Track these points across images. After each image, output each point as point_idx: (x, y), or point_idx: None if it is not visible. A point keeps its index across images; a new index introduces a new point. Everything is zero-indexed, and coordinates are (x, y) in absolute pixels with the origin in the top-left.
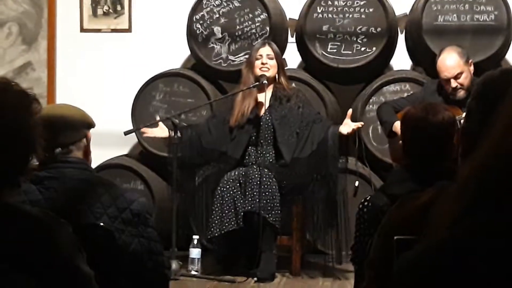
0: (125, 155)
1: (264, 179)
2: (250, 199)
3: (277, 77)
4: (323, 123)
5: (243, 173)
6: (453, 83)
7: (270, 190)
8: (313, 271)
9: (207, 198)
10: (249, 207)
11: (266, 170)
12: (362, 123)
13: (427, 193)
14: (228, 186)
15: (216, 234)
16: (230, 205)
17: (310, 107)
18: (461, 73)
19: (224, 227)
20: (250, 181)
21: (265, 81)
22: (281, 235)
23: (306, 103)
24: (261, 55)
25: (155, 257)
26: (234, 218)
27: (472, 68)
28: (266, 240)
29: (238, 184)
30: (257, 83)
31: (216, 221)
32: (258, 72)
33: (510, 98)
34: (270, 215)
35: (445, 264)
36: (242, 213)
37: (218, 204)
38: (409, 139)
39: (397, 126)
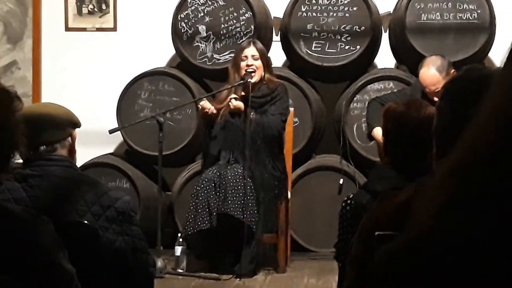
0: (111, 154)
1: (238, 180)
2: (223, 200)
3: (263, 76)
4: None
5: (218, 174)
6: (435, 98)
7: (243, 191)
8: (298, 269)
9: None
10: (222, 209)
11: (240, 171)
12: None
13: (408, 189)
14: (203, 186)
15: (190, 233)
16: (204, 204)
17: (280, 103)
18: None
19: (197, 226)
20: (224, 182)
21: (250, 79)
22: (264, 233)
23: (281, 98)
24: (246, 56)
25: (139, 255)
26: (207, 218)
27: None
28: (245, 239)
29: (213, 185)
30: (242, 81)
31: (191, 220)
32: (244, 73)
33: (490, 91)
34: (244, 216)
35: (423, 258)
36: (215, 214)
37: (194, 203)
38: (390, 134)
39: (375, 132)
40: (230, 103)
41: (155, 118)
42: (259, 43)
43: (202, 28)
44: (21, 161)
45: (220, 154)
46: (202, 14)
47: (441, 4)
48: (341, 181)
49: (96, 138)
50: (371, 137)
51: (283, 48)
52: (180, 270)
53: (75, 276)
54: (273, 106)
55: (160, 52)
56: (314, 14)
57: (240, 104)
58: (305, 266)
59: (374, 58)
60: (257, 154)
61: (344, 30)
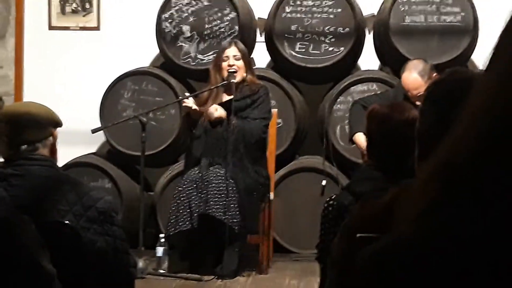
0: (93, 153)
1: (220, 181)
2: (205, 201)
3: (245, 77)
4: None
5: (200, 175)
6: (417, 102)
7: (225, 192)
8: (280, 270)
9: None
10: (203, 210)
11: (222, 172)
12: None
13: (391, 192)
14: (184, 186)
15: (171, 233)
16: (185, 205)
17: (263, 107)
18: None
19: (178, 227)
20: (206, 183)
21: (233, 80)
22: (246, 234)
23: (263, 101)
24: (227, 57)
25: (120, 255)
26: (188, 219)
27: None
28: (228, 239)
29: (195, 185)
30: (225, 82)
31: (172, 220)
32: (226, 74)
33: (472, 94)
34: (226, 217)
35: (406, 260)
36: (196, 215)
37: (175, 204)
38: (374, 136)
39: (356, 138)
40: (210, 115)
41: (138, 118)
42: (240, 43)
43: (186, 28)
44: (2, 160)
45: (202, 156)
46: (186, 14)
47: (425, 6)
48: (323, 183)
49: (78, 138)
50: (352, 141)
51: (267, 49)
52: (161, 271)
53: (55, 277)
54: (256, 110)
55: (143, 52)
56: (298, 15)
57: (222, 114)
58: (287, 267)
59: (357, 60)
60: (240, 160)
61: (328, 31)
